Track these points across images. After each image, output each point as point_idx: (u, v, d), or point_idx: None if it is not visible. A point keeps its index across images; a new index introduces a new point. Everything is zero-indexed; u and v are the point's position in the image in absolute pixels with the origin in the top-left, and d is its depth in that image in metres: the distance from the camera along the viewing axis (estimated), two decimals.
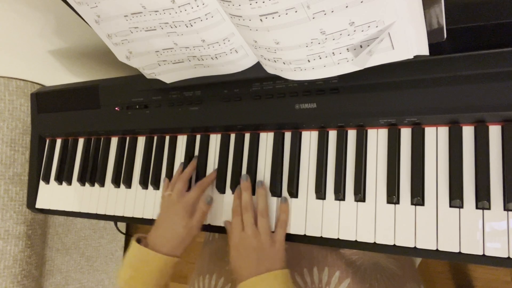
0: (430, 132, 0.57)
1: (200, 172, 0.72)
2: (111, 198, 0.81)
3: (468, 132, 0.55)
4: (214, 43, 0.56)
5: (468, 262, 0.53)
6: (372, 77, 0.57)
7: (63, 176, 0.88)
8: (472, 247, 0.51)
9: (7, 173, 1.05)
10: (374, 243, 0.57)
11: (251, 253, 0.59)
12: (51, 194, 0.90)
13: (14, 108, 1.06)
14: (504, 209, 0.51)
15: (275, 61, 0.56)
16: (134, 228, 1.71)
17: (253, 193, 0.66)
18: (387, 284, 0.68)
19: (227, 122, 0.69)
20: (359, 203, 0.59)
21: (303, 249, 0.70)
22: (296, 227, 0.62)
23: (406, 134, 0.58)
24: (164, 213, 0.67)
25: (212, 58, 0.60)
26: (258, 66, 0.61)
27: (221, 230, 0.69)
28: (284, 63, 0.55)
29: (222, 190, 0.69)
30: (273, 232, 0.62)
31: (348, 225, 0.59)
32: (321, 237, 0.61)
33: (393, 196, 0.56)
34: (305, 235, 0.62)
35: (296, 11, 0.45)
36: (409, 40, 0.47)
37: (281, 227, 0.61)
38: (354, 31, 0.47)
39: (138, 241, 0.66)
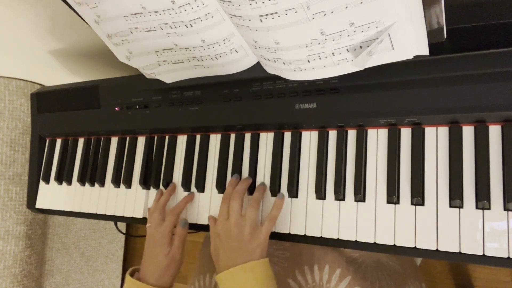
0: (430, 132, 0.57)
1: (200, 172, 0.72)
2: (111, 198, 0.81)
3: (468, 132, 0.55)
4: (214, 44, 0.56)
5: (468, 262, 0.53)
6: (372, 77, 0.57)
7: (63, 176, 0.88)
8: (472, 247, 0.51)
9: (7, 173, 1.05)
10: (374, 243, 0.57)
11: (231, 243, 0.58)
12: (51, 194, 0.90)
13: (14, 108, 1.06)
14: (504, 209, 0.51)
15: (275, 61, 0.56)
16: (134, 228, 1.71)
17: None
18: (388, 281, 0.68)
19: (227, 122, 0.69)
20: (359, 203, 0.59)
21: (304, 247, 0.70)
22: (296, 227, 0.62)
23: (406, 134, 0.58)
24: (147, 245, 0.69)
25: (212, 58, 0.60)
26: (258, 66, 0.61)
27: None
28: (284, 63, 0.55)
29: (222, 190, 0.69)
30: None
31: (348, 225, 0.59)
32: (321, 237, 0.61)
33: (393, 196, 0.56)
34: (305, 235, 0.62)
35: (296, 12, 0.45)
36: (409, 41, 0.47)
37: (270, 220, 0.60)
38: (354, 31, 0.47)
39: (132, 273, 0.68)
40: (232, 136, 0.71)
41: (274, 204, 0.62)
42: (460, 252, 0.52)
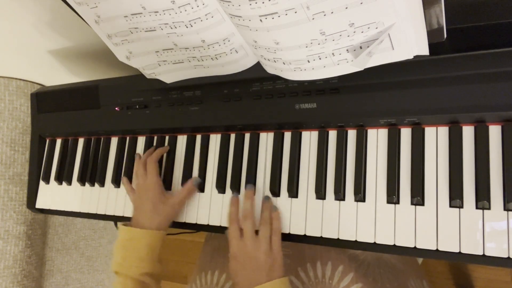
0: (430, 132, 0.57)
1: (200, 172, 0.72)
2: (111, 198, 0.81)
3: (468, 132, 0.55)
4: (214, 44, 0.56)
5: (468, 262, 0.53)
6: (372, 77, 0.57)
7: (63, 176, 0.88)
8: (472, 247, 0.51)
9: (7, 173, 1.04)
10: (374, 243, 0.57)
11: (250, 263, 0.58)
12: (51, 194, 0.90)
13: (14, 108, 1.06)
14: (504, 209, 0.51)
15: (275, 61, 0.56)
16: None
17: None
18: (390, 278, 0.68)
19: (227, 122, 0.69)
20: (359, 203, 0.59)
21: (306, 244, 0.70)
22: (296, 227, 0.62)
23: (406, 134, 0.58)
24: (139, 197, 0.70)
25: (212, 58, 0.60)
26: (258, 66, 0.61)
27: (219, 230, 0.69)
28: (284, 63, 0.55)
29: (222, 190, 0.69)
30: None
31: (348, 225, 0.59)
32: (321, 237, 0.61)
33: (393, 196, 0.56)
34: (305, 235, 0.62)
35: (295, 12, 0.45)
36: (409, 41, 0.47)
37: (275, 235, 0.60)
38: (354, 32, 0.47)
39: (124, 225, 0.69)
40: (232, 136, 0.71)
41: (273, 217, 0.62)
42: (460, 252, 0.52)
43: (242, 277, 0.58)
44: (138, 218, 0.68)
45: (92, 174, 0.84)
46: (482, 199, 0.51)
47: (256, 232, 0.61)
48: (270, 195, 0.65)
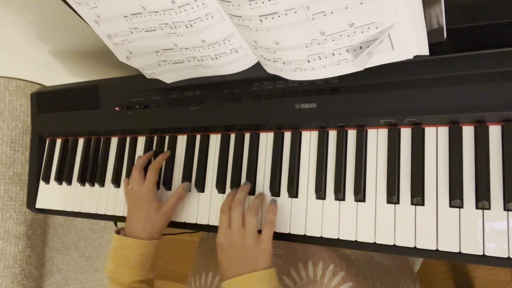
0: (430, 132, 0.57)
1: (200, 172, 0.72)
2: (111, 198, 0.81)
3: (468, 132, 0.55)
4: (214, 44, 0.56)
5: (468, 262, 0.53)
6: (372, 77, 0.57)
7: (63, 176, 0.88)
8: (472, 247, 0.51)
9: (7, 173, 1.04)
10: (374, 243, 0.57)
11: (235, 252, 0.58)
12: (51, 194, 0.90)
13: (14, 108, 1.06)
14: (504, 209, 0.51)
15: (275, 61, 0.56)
16: None
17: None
18: (381, 279, 0.68)
19: (227, 122, 0.69)
20: (359, 203, 0.59)
21: (298, 244, 0.70)
22: (296, 227, 0.62)
23: (406, 134, 0.58)
24: (132, 204, 0.70)
25: (212, 58, 0.60)
26: (258, 66, 0.61)
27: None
28: (284, 63, 0.55)
29: (222, 190, 0.69)
30: (260, 231, 0.60)
31: (348, 225, 0.59)
32: (321, 237, 0.61)
33: (393, 196, 0.56)
34: (305, 235, 0.62)
35: (295, 12, 0.45)
36: (409, 41, 0.47)
37: (268, 226, 0.59)
38: (354, 32, 0.47)
39: (118, 233, 0.69)
40: (232, 136, 0.71)
41: (268, 209, 0.62)
42: (460, 252, 0.52)
43: (227, 266, 0.58)
44: (130, 227, 0.68)
45: (92, 174, 0.84)
46: (482, 199, 0.51)
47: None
48: (270, 195, 0.65)
